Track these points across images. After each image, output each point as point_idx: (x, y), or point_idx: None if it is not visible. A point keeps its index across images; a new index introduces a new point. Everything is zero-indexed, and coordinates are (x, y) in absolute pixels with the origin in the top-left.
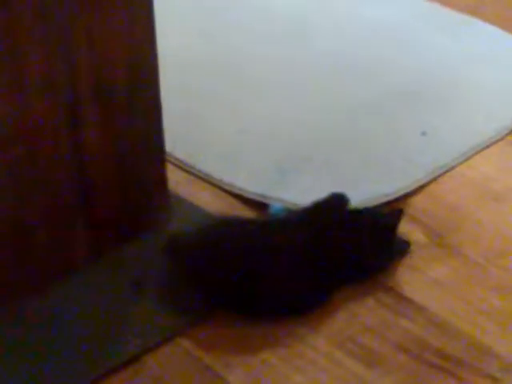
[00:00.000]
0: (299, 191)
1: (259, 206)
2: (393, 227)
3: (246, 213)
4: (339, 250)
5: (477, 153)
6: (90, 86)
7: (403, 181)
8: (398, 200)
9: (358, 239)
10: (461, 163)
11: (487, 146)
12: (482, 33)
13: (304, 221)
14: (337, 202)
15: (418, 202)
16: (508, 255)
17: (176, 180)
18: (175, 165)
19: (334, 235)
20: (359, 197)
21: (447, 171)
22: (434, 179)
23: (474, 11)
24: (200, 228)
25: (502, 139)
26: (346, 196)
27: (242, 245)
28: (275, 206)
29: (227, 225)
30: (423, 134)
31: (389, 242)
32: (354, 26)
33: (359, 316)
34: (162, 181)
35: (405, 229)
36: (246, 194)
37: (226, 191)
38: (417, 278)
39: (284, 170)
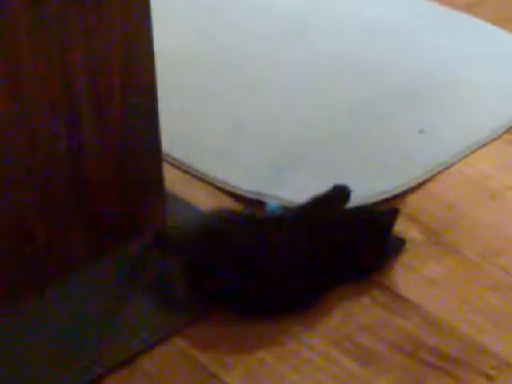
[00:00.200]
0: (295, 189)
1: (255, 204)
2: (389, 226)
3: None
4: (335, 249)
5: (474, 151)
6: (87, 88)
7: (401, 178)
8: (395, 198)
9: (354, 238)
10: (458, 161)
11: (484, 145)
12: (481, 32)
13: (300, 218)
14: (338, 194)
15: (415, 199)
16: (505, 254)
17: (173, 179)
18: (172, 164)
19: (330, 234)
20: (356, 194)
21: (445, 169)
22: (432, 177)
23: (473, 10)
24: (196, 225)
25: (498, 137)
26: (348, 187)
27: (238, 243)
28: (271, 204)
29: (224, 222)
30: (421, 131)
31: (384, 241)
32: (354, 26)
33: (355, 315)
34: (159, 180)
35: (401, 227)
36: (241, 192)
37: (222, 190)
38: (412, 276)
39: (280, 168)
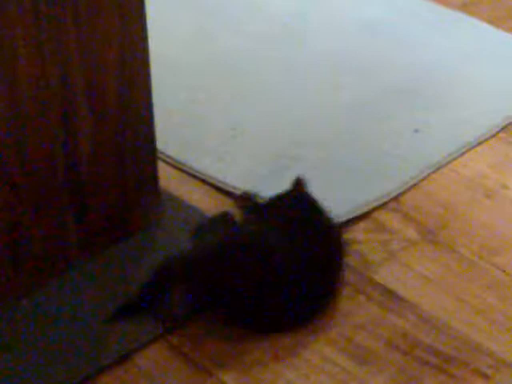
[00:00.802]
0: None
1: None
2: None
3: (237, 210)
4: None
5: (469, 150)
6: (82, 88)
7: (396, 178)
8: (390, 196)
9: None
10: (453, 160)
11: (479, 143)
12: (477, 31)
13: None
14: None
15: (410, 199)
16: (500, 253)
17: (167, 178)
18: (167, 162)
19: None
20: (351, 195)
21: (439, 168)
22: (427, 176)
23: (469, 10)
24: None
25: (493, 136)
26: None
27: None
28: None
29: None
30: (416, 131)
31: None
32: (352, 26)
33: (350, 313)
34: (154, 179)
35: (397, 226)
36: (237, 192)
37: (217, 188)
38: (408, 275)
39: (276, 167)
